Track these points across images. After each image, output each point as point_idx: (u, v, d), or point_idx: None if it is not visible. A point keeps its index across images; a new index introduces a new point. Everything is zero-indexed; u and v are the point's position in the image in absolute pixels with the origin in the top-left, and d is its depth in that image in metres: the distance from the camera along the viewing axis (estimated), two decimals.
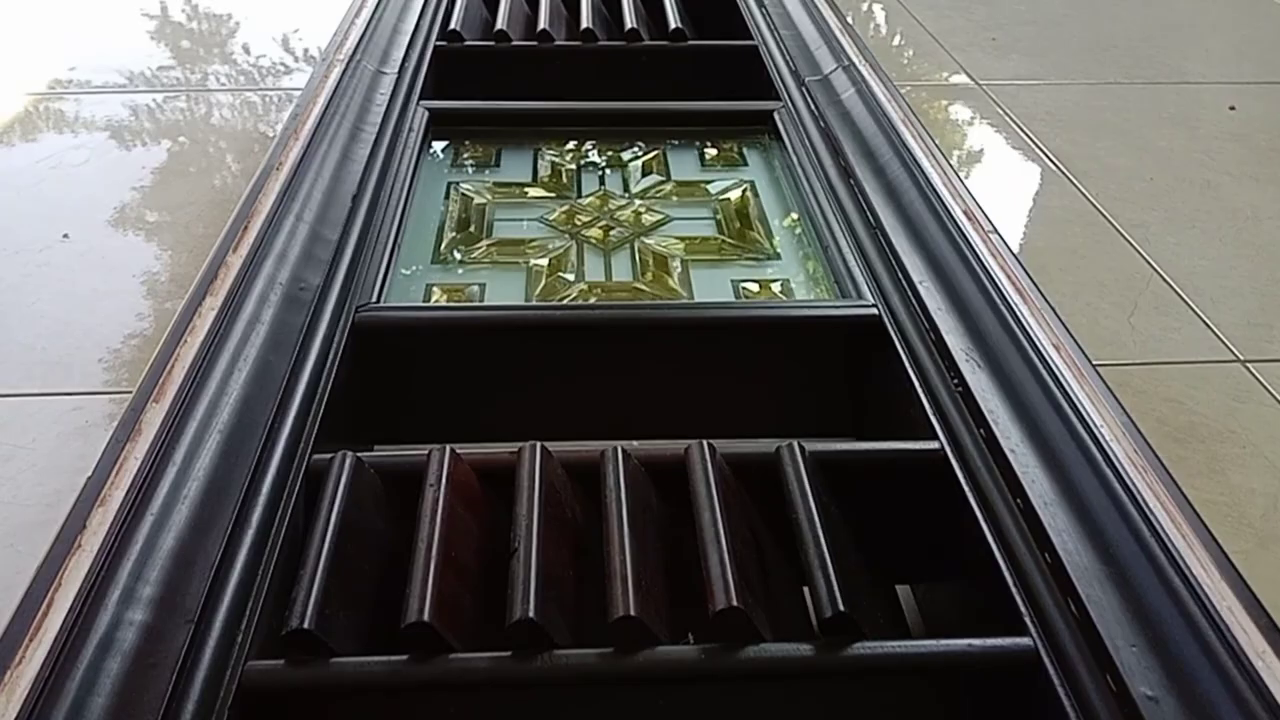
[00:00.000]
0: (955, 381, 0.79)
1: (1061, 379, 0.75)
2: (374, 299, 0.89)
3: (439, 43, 1.43)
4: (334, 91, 1.16)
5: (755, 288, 0.97)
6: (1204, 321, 1.19)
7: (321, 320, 0.84)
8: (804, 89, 1.28)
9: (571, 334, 0.89)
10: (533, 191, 1.15)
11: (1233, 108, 1.74)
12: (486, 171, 1.19)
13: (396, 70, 1.29)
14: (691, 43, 1.46)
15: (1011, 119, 1.68)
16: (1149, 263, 1.30)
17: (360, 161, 1.07)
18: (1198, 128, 1.67)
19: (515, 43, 1.44)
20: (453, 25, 1.45)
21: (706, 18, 1.57)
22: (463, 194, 1.13)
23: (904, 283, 0.90)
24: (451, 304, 0.92)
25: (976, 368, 0.79)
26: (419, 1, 1.48)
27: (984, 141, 1.62)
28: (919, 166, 1.04)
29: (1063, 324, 0.82)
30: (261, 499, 0.67)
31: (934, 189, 1.00)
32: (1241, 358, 1.14)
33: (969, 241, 0.92)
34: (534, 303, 0.93)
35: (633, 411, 0.93)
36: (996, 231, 0.93)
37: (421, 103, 1.26)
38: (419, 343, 0.89)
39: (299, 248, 0.90)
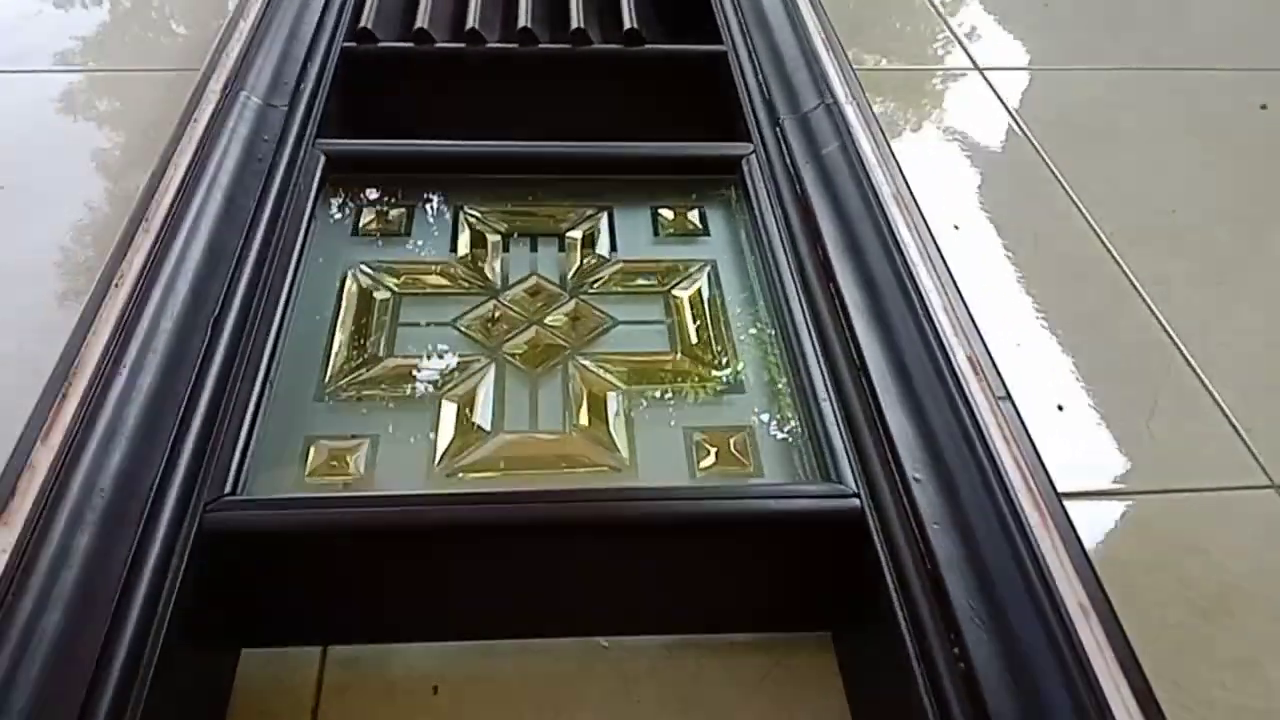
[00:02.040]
0: (956, 651, 0.62)
1: (1093, 677, 0.59)
2: (229, 488, 0.71)
3: (347, 44, 1.20)
4: (200, 149, 0.94)
5: (711, 448, 0.79)
6: (1234, 427, 1.03)
7: (155, 536, 0.66)
8: (778, 130, 1.07)
9: (478, 535, 0.71)
10: (448, 280, 0.95)
11: (1264, 106, 1.53)
12: (394, 245, 0.98)
13: (289, 99, 1.06)
14: (649, 47, 1.24)
15: (1016, 121, 1.47)
16: (1171, 337, 1.13)
17: (230, 258, 0.86)
18: (1226, 134, 1.47)
19: (439, 44, 1.21)
20: (364, 21, 1.21)
21: (666, 12, 1.33)
22: (361, 285, 0.93)
23: (893, 466, 0.73)
24: (324, 496, 0.73)
25: (983, 634, 0.62)
26: None
27: (984, 155, 1.41)
28: (914, 279, 0.86)
29: (1091, 568, 0.65)
30: None
31: (931, 317, 0.82)
32: (1276, 482, 0.98)
33: (975, 413, 0.74)
34: (430, 492, 0.74)
35: (552, 615, 0.76)
36: (1009, 398, 0.75)
37: (319, 142, 1.04)
38: (285, 549, 0.71)
39: (134, 422, 0.71)
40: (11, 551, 0.62)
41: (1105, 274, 1.21)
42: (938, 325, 0.81)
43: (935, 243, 0.91)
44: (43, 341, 1.03)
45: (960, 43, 1.66)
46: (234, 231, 0.89)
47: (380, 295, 0.92)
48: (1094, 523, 0.93)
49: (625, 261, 0.98)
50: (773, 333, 0.89)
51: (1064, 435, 1.01)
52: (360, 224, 1.00)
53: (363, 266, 0.95)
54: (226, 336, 0.80)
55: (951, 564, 0.66)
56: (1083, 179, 1.36)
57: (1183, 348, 1.11)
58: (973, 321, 0.82)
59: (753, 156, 1.06)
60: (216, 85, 1.03)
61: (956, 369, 0.77)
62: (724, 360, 0.87)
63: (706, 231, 1.02)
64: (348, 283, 0.93)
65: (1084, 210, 1.31)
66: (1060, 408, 1.04)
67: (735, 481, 0.77)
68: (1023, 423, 0.74)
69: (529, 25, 1.21)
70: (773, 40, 1.21)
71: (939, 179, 1.36)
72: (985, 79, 1.58)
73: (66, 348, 0.75)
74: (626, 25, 1.23)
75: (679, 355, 0.88)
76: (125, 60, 1.48)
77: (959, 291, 0.85)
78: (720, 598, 0.78)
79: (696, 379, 0.86)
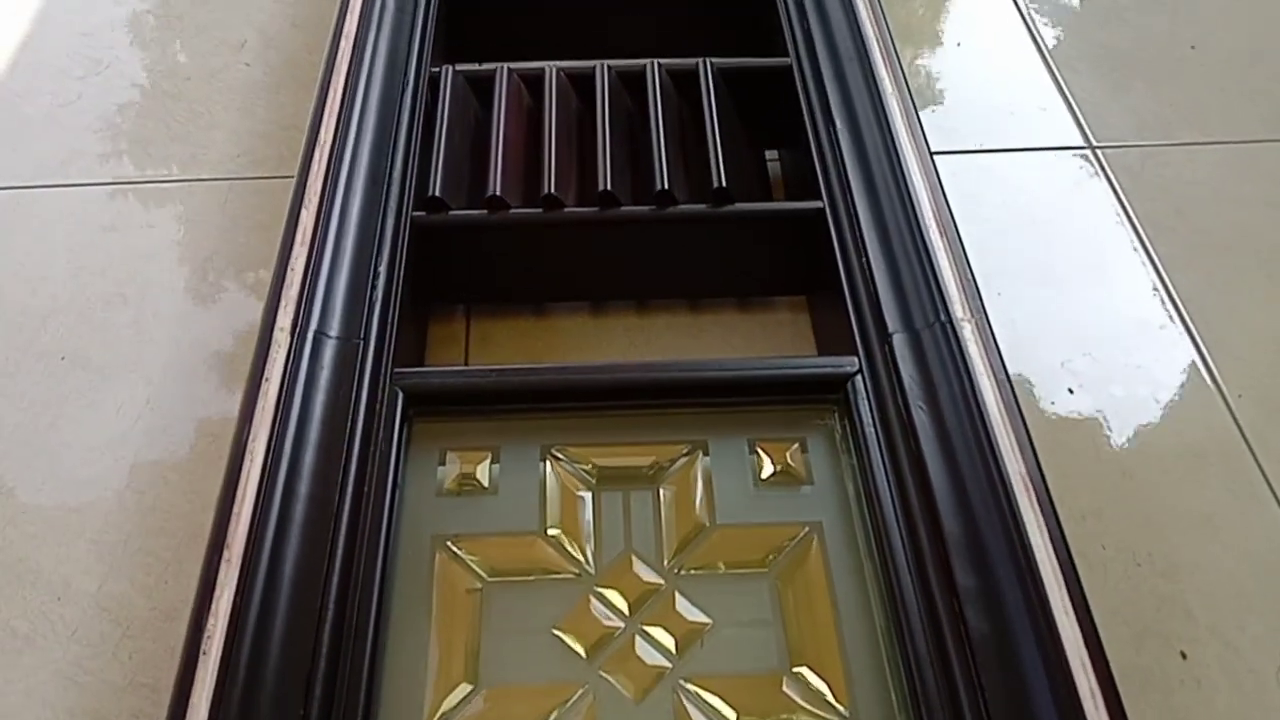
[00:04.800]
0: None
1: None
2: None
3: (416, 214, 1.12)
4: (275, 429, 0.89)
5: None
6: None
7: None
8: (887, 348, 0.98)
9: None
10: (540, 554, 0.90)
11: None
12: (481, 506, 0.93)
13: (362, 323, 0.99)
14: (739, 206, 1.14)
15: (1135, 226, 1.35)
16: None
17: (318, 581, 0.82)
18: None
19: (514, 210, 1.13)
20: (432, 188, 1.12)
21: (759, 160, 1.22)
22: (450, 577, 0.88)
23: None
24: None
25: None
26: (380, 156, 1.14)
27: (1100, 281, 1.30)
28: (1046, 610, 0.80)
29: None
30: None
31: (1068, 671, 0.76)
32: None
33: None
34: None
35: None
36: None
37: (397, 374, 0.98)
38: None
39: None
40: None
41: (1230, 456, 1.13)
42: (1075, 684, 0.76)
43: (1064, 540, 0.85)
44: (126, 581, 1.01)
45: (1074, 108, 1.51)
46: (320, 541, 0.84)
47: (471, 588, 0.87)
48: None
49: (724, 527, 0.92)
50: (889, 643, 0.84)
51: (1192, 693, 0.96)
52: (443, 481, 0.95)
53: (450, 544, 0.90)
54: (319, 695, 0.77)
55: None
56: (1205, 311, 1.26)
57: None
58: (1111, 679, 0.76)
59: (858, 378, 0.99)
60: (285, 320, 0.96)
61: None
62: (837, 683, 0.83)
63: (810, 479, 0.95)
64: (436, 573, 0.88)
65: (1209, 359, 1.21)
66: (1184, 655, 0.99)
67: None
68: None
69: (609, 188, 1.12)
70: (877, 203, 1.10)
71: (1051, 313, 1.26)
72: (1099, 161, 1.44)
73: None
74: (715, 184, 1.12)
75: (788, 674, 0.83)
76: (174, 166, 1.40)
77: (1097, 636, 0.78)
78: None
79: (808, 710, 0.81)
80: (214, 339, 1.20)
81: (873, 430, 0.95)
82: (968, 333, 0.97)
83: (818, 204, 1.13)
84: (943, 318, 0.98)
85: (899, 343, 0.98)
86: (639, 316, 1.24)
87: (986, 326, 0.98)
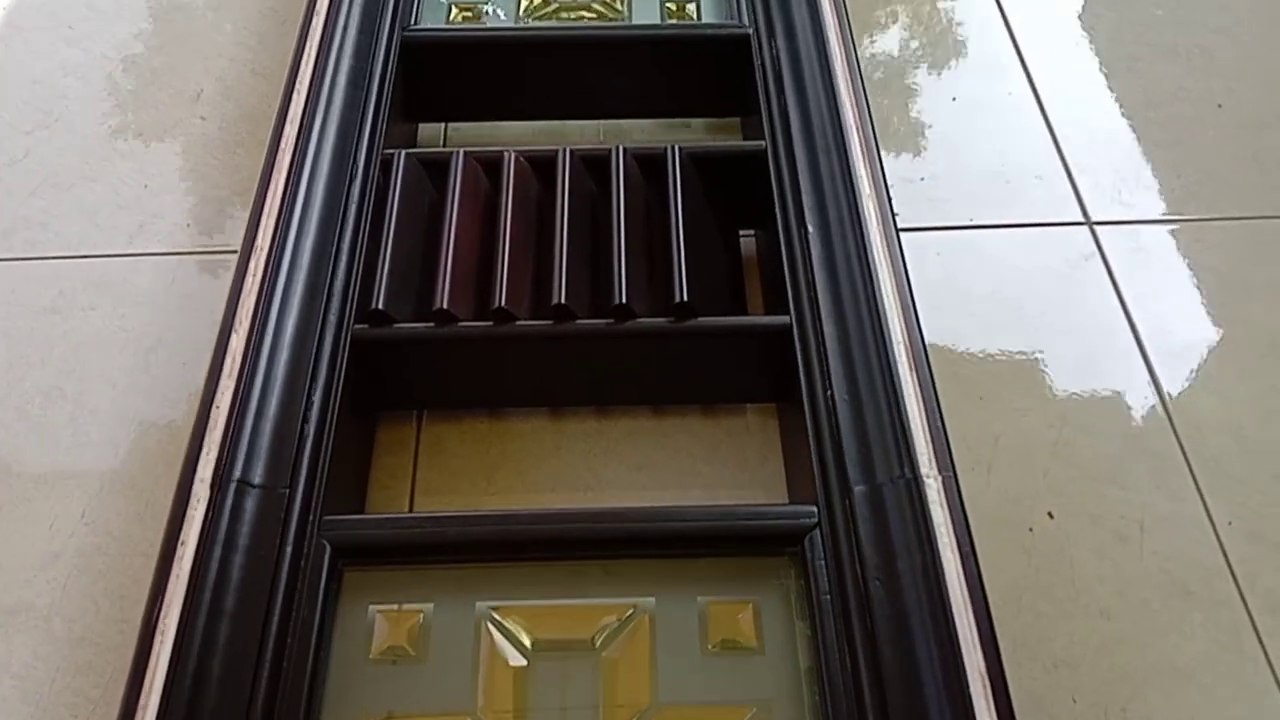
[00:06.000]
0: None
1: None
2: None
3: (358, 326, 1.06)
4: (191, 594, 0.84)
5: None
6: None
7: None
8: (847, 502, 0.92)
9: None
10: None
11: None
12: (411, 676, 0.89)
13: (289, 469, 0.94)
14: (701, 322, 1.07)
15: (1122, 302, 1.28)
16: None
17: None
18: None
19: (463, 324, 1.06)
20: (377, 301, 1.06)
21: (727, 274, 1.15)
22: None
23: None
24: None
25: None
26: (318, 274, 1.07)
27: (1094, 390, 1.23)
28: None
29: None
30: None
31: None
32: None
33: None
34: None
35: None
36: None
37: (326, 522, 0.93)
38: None
39: None
40: None
41: (1216, 594, 1.07)
42: None
43: None
44: None
45: (1071, 175, 1.43)
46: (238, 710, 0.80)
47: None
48: None
49: (666, 707, 0.87)
50: None
51: None
52: (372, 645, 0.90)
53: None
54: None
55: None
56: (1199, 422, 1.19)
57: None
58: None
59: (816, 533, 0.93)
60: (206, 471, 0.91)
61: None
62: None
63: (760, 649, 0.90)
64: None
65: (1197, 480, 1.14)
66: None
67: None
68: None
69: (564, 301, 1.05)
70: (845, 328, 1.03)
71: (1035, 424, 1.19)
72: (1096, 239, 1.36)
73: None
74: (677, 299, 1.05)
75: None
76: (121, 238, 1.34)
77: None
78: None
79: None
80: (152, 444, 1.15)
81: (828, 599, 0.89)
82: (933, 493, 0.91)
83: (784, 319, 1.06)
84: (907, 473, 0.92)
85: (860, 497, 0.92)
86: (599, 420, 1.17)
87: (954, 484, 0.92)
